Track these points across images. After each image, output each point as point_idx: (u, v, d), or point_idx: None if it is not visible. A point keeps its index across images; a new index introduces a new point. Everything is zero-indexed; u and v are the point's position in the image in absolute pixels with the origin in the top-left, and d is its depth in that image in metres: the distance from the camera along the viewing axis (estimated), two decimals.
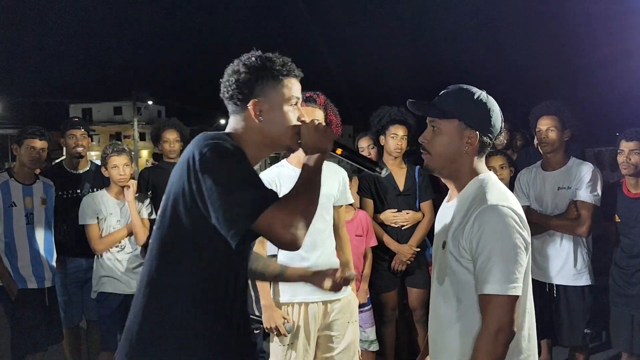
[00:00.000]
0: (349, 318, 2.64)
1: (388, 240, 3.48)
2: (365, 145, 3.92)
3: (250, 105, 1.55)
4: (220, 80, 1.62)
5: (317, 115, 2.57)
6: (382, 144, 3.65)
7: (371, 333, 3.43)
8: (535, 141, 4.18)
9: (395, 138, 3.54)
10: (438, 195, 3.83)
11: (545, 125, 3.09)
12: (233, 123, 1.62)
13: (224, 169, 1.43)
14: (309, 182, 1.52)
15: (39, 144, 3.36)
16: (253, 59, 1.59)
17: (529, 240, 1.57)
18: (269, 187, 1.49)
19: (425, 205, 3.61)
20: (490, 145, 1.67)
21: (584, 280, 3.06)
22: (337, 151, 1.62)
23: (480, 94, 1.65)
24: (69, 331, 3.73)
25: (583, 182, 3.02)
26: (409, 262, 3.47)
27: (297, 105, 1.62)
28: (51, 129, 3.89)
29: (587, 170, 3.06)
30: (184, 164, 1.50)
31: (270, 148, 1.66)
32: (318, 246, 2.58)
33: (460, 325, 1.59)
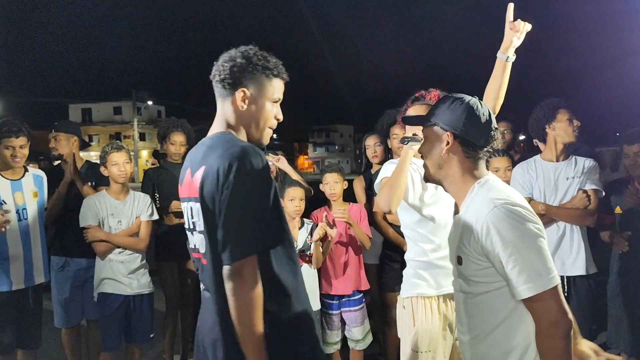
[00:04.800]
0: None
1: (400, 239, 3.46)
2: (371, 144, 3.97)
3: (237, 92, 1.71)
4: (215, 62, 1.76)
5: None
6: (390, 147, 3.75)
7: (358, 332, 3.50)
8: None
9: (396, 138, 3.60)
10: None
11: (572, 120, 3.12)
12: (222, 108, 1.77)
13: (248, 191, 1.56)
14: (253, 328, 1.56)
15: (16, 141, 3.20)
16: (251, 52, 1.73)
17: (542, 228, 1.55)
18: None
19: None
20: (479, 147, 1.63)
21: (592, 268, 3.06)
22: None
23: (461, 97, 1.64)
24: (69, 331, 3.73)
25: (592, 172, 3.07)
26: None
27: (277, 104, 1.79)
28: (51, 129, 3.88)
29: (592, 162, 3.14)
30: (214, 174, 1.57)
31: (247, 138, 1.77)
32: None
33: (492, 334, 1.58)
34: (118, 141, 3.76)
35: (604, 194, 3.09)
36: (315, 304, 3.39)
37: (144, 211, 3.45)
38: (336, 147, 70.84)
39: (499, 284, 1.55)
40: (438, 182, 1.71)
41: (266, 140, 1.81)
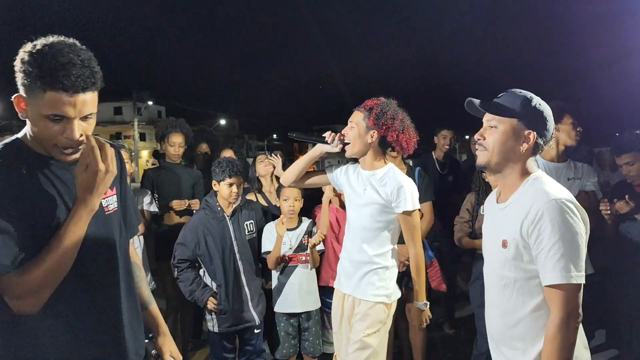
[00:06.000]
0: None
1: None
2: None
3: (13, 98, 1.37)
4: None
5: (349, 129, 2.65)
6: None
7: None
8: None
9: None
10: (458, 196, 3.84)
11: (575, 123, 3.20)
12: None
13: None
14: (61, 243, 1.34)
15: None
16: (31, 52, 1.32)
17: (586, 229, 1.65)
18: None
19: (425, 207, 3.61)
20: (542, 147, 1.74)
21: (589, 268, 3.10)
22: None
23: (538, 99, 1.73)
24: None
25: (590, 175, 3.17)
26: (407, 261, 3.49)
27: (66, 121, 1.35)
28: None
29: (588, 166, 3.22)
30: None
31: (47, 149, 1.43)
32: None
33: (523, 316, 1.67)
34: (119, 141, 3.87)
35: (601, 195, 3.13)
36: (315, 303, 3.41)
37: (143, 199, 3.65)
38: None
39: (536, 272, 1.65)
40: (494, 171, 1.77)
41: (62, 159, 1.42)
